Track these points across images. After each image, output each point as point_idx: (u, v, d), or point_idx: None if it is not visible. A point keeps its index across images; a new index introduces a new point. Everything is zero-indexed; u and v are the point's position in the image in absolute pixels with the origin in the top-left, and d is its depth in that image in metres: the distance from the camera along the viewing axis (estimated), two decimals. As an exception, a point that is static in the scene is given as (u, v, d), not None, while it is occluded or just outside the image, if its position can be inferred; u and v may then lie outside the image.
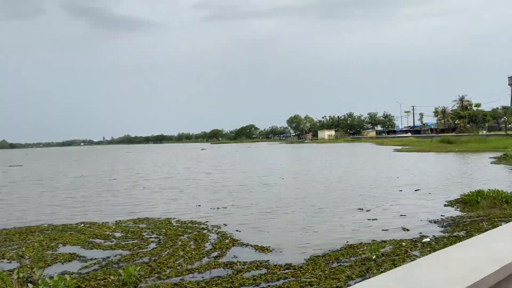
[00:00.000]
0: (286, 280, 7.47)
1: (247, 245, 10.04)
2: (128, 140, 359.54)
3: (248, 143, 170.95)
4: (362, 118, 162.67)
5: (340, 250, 9.26)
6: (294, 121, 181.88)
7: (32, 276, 7.62)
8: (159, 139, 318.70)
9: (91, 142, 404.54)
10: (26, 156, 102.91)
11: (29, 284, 7.05)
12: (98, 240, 10.99)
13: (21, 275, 7.57)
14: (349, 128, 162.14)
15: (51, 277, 7.17)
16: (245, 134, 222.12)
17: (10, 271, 8.29)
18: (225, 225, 12.31)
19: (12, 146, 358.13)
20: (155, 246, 10.08)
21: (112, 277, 7.57)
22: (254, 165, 39.44)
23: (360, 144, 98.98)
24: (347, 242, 9.98)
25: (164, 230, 11.79)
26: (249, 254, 9.25)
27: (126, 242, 10.60)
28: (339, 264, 8.32)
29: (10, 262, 9.22)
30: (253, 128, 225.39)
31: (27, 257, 9.51)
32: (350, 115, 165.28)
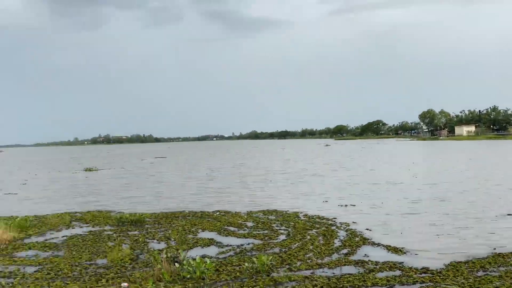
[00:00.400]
0: (423, 285, 7.00)
1: (378, 244, 9.66)
2: (255, 135, 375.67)
3: (374, 139, 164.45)
4: (510, 112, 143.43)
5: (486, 258, 8.32)
6: (427, 116, 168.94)
7: (178, 257, 8.44)
8: (283, 134, 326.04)
9: (222, 137, 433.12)
10: (168, 149, 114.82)
11: (176, 264, 7.84)
12: (232, 228, 11.71)
13: (169, 254, 8.45)
14: (492, 124, 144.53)
15: (194, 259, 7.86)
16: (372, 130, 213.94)
17: (160, 251, 9.34)
18: (354, 222, 12.03)
19: (157, 140, 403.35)
20: (285, 238, 10.33)
21: (246, 264, 7.97)
22: (383, 162, 37.74)
23: (506, 141, 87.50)
24: (494, 249, 8.94)
25: (292, 223, 12.02)
26: (381, 254, 8.89)
27: (257, 232, 11.08)
28: (485, 273, 7.48)
29: (159, 243, 10.37)
30: (380, 124, 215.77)
31: (172, 239, 10.59)
32: (494, 109, 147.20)
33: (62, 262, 8.72)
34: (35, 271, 8.20)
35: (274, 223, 12.18)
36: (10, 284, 7.39)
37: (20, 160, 73.97)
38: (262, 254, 8.25)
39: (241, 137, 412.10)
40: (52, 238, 11.17)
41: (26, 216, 13.50)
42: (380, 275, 7.53)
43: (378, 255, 8.83)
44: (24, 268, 8.50)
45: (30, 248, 10.10)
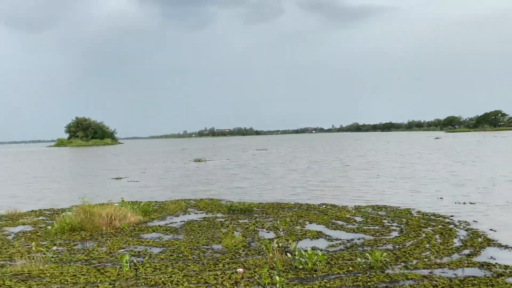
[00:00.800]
0: None
1: (506, 247, 8.75)
2: (356, 128, 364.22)
3: (492, 131, 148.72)
4: None
5: None
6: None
7: (289, 247, 8.59)
8: (387, 127, 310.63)
9: (321, 130, 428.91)
10: (268, 142, 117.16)
11: (288, 254, 7.98)
12: (340, 222, 11.55)
13: (280, 244, 8.64)
14: None
15: (305, 250, 7.92)
16: (489, 121, 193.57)
17: (270, 240, 9.59)
18: (475, 221, 11.05)
19: (257, 133, 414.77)
20: (398, 235, 9.89)
21: (359, 259, 7.80)
22: (504, 157, 33.99)
23: None
24: None
25: (404, 219, 11.46)
26: (510, 258, 8.03)
27: (367, 227, 10.78)
28: None
29: (268, 232, 10.66)
30: (499, 115, 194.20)
31: (281, 229, 10.79)
32: None
33: (182, 245, 9.44)
34: (159, 252, 9.01)
35: (385, 219, 11.73)
36: (140, 263, 8.21)
37: (138, 151, 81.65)
38: (376, 250, 8.01)
39: (341, 129, 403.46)
40: (172, 223, 12.16)
41: (148, 201, 14.87)
42: (510, 280, 6.82)
43: (507, 258, 8.00)
44: (150, 248, 9.39)
45: (154, 231, 11.12)
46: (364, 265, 7.56)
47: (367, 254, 7.91)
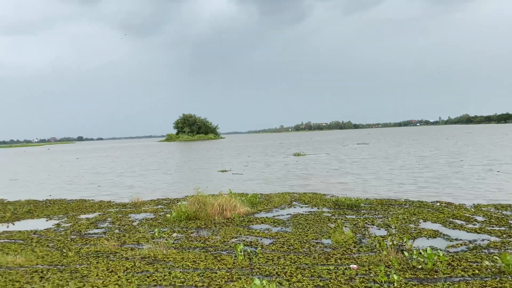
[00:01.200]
0: None
1: None
2: (466, 119, 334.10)
3: None
4: None
5: None
6: None
7: (404, 245, 8.20)
8: (504, 118, 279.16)
9: (427, 123, 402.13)
10: (368, 135, 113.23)
11: (404, 252, 7.61)
12: (458, 221, 10.70)
13: (394, 242, 8.28)
14: None
15: (424, 250, 7.48)
16: None
17: (382, 237, 9.24)
18: None
19: (355, 126, 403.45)
20: (530, 238, 8.85)
21: (486, 262, 7.14)
22: None
23: None
24: None
25: (536, 221, 10.22)
26: None
27: (492, 228, 9.82)
28: None
29: (379, 229, 10.28)
30: None
31: (392, 227, 10.34)
32: None
33: (292, 238, 9.55)
34: (270, 243, 9.23)
35: (511, 219, 10.58)
36: (253, 252, 8.49)
37: (239, 145, 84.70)
38: (507, 253, 7.25)
39: (449, 121, 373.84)
40: (279, 215, 12.38)
41: (254, 193, 15.32)
42: None
43: None
44: (261, 239, 9.66)
45: (262, 222, 11.43)
46: (493, 269, 6.89)
47: (495, 257, 7.21)
